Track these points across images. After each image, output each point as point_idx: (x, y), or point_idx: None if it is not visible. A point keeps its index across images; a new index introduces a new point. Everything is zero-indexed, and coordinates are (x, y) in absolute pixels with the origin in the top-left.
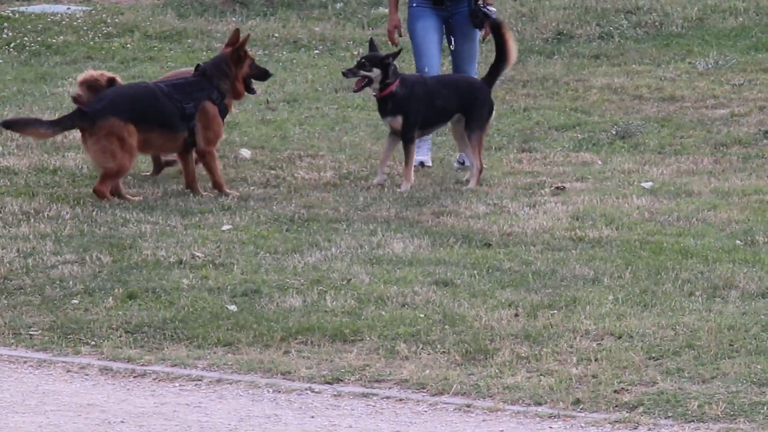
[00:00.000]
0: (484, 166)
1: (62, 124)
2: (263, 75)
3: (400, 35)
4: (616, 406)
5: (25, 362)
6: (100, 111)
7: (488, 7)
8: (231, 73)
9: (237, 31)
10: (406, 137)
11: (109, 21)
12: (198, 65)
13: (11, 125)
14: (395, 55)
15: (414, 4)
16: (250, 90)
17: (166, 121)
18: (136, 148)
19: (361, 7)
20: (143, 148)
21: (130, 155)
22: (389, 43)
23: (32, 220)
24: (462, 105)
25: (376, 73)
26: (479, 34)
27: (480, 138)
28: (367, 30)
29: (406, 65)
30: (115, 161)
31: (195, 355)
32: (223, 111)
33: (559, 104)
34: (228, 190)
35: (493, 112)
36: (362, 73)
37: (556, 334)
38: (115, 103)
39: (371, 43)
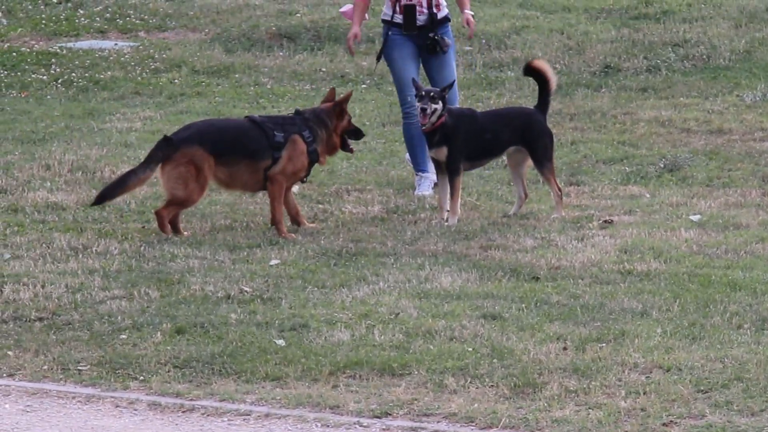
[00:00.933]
0: (529, 196)
1: (155, 159)
2: (358, 134)
3: (358, 44)
4: None
5: (73, 398)
6: (186, 139)
7: (466, 12)
8: (330, 124)
9: (333, 90)
10: (451, 169)
11: (156, 56)
12: (297, 109)
13: (106, 197)
14: (450, 86)
15: (390, 33)
16: (346, 147)
17: (251, 152)
18: (209, 183)
19: None
20: (229, 184)
21: (201, 188)
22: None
23: (80, 256)
24: (518, 137)
25: (439, 106)
26: (453, 55)
27: (551, 168)
28: None
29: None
30: (185, 190)
31: (243, 389)
32: (313, 155)
33: (606, 137)
34: (285, 232)
35: (554, 139)
36: (432, 106)
37: (605, 367)
38: (202, 133)
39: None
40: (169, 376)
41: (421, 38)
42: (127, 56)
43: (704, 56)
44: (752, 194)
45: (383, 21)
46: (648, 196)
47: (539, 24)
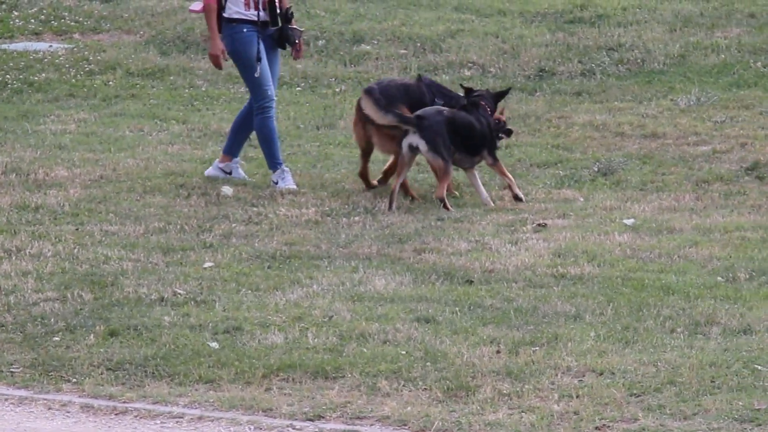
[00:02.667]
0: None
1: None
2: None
3: (225, 59)
4: None
5: (6, 399)
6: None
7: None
8: None
9: None
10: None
11: (91, 58)
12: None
13: None
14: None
15: (244, 30)
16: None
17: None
18: None
19: (343, 44)
20: None
21: None
22: (215, 67)
23: (14, 258)
24: None
25: None
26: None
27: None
28: (349, 67)
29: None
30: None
31: (176, 392)
32: None
33: (541, 141)
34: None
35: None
36: None
37: (538, 370)
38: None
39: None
40: (102, 378)
41: (278, 32)
42: (61, 58)
43: (639, 60)
44: (686, 198)
45: (233, 20)
46: (582, 199)
47: (474, 27)
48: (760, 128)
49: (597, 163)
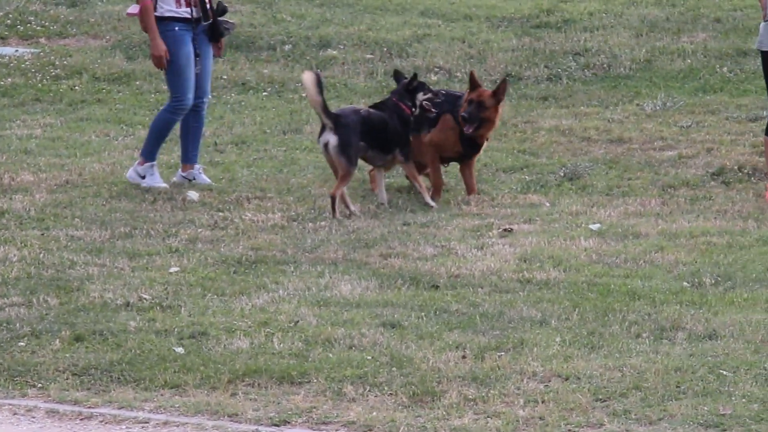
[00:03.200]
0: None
1: None
2: None
3: (168, 59)
4: None
5: None
6: None
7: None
8: None
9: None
10: None
11: (57, 63)
12: None
13: None
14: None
15: (176, 28)
16: None
17: None
18: None
19: (310, 49)
20: None
21: None
22: (158, 68)
23: None
24: None
25: None
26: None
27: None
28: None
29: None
30: None
31: (142, 397)
32: None
33: (507, 146)
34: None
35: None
36: None
37: (504, 376)
38: None
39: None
40: (68, 383)
41: (210, 25)
42: (27, 63)
43: (605, 65)
44: (651, 203)
45: (165, 18)
46: (548, 204)
47: (441, 32)
48: (725, 133)
49: (563, 168)
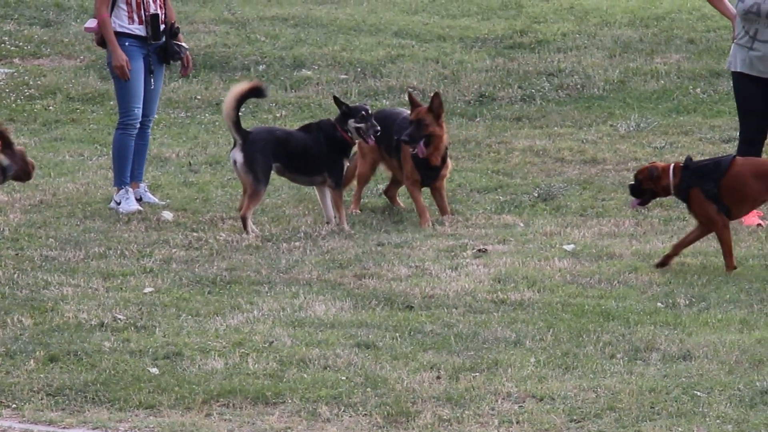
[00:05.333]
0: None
1: None
2: None
3: (129, 68)
4: None
5: None
6: None
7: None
8: None
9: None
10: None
11: (31, 83)
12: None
13: None
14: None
15: (126, 43)
16: None
17: None
18: None
19: (284, 69)
20: None
21: None
22: (122, 79)
23: None
24: None
25: None
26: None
27: None
28: (290, 92)
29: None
30: None
31: (116, 417)
32: None
33: (481, 166)
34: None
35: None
36: None
37: (478, 396)
38: None
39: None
40: (42, 404)
41: (162, 47)
42: (1, 83)
43: (578, 86)
44: (625, 224)
45: (116, 33)
46: (522, 225)
47: (414, 53)
48: (699, 154)
49: (537, 189)
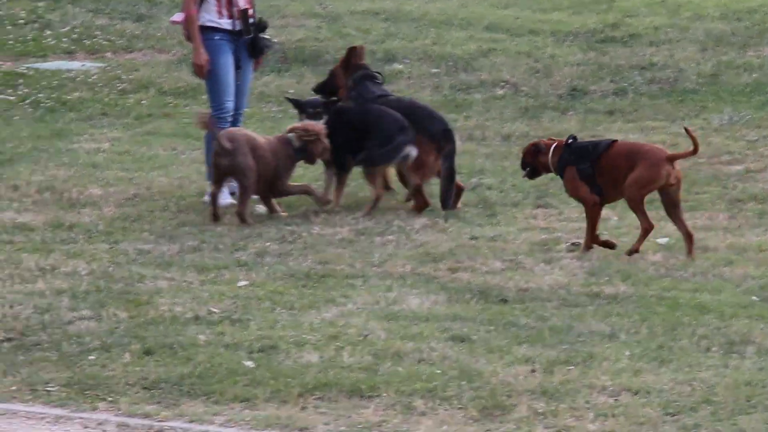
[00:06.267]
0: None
1: None
2: None
3: (209, 68)
4: None
5: (42, 418)
6: None
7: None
8: None
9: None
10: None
11: (124, 77)
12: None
13: None
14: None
15: (216, 37)
16: None
17: None
18: None
19: (375, 63)
20: None
21: None
22: (199, 77)
23: (49, 276)
24: None
25: None
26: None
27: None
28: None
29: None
30: None
31: (212, 411)
32: None
33: None
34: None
35: None
36: None
37: (573, 389)
38: None
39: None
40: (138, 397)
41: (251, 41)
42: (94, 77)
43: (671, 79)
44: (719, 217)
45: (206, 28)
46: (616, 219)
47: (506, 47)
48: None
49: None
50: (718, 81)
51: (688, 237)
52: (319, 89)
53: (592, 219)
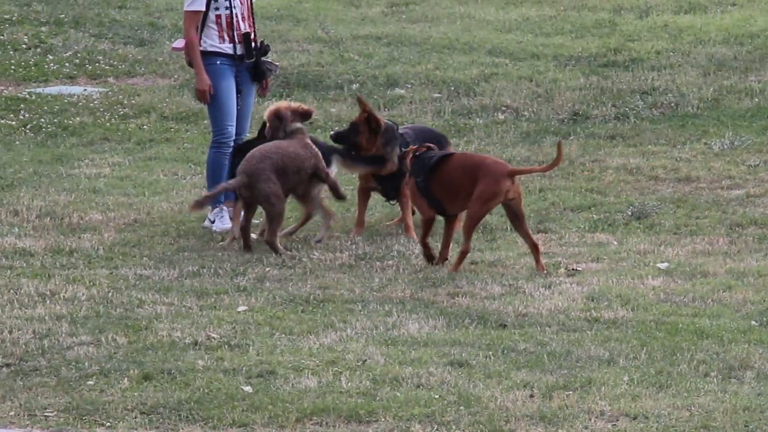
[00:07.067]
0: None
1: None
2: None
3: (212, 93)
4: None
5: None
6: None
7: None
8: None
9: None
10: None
11: (125, 102)
12: None
13: None
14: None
15: (218, 62)
16: None
17: None
18: None
19: (377, 88)
20: None
21: None
22: (202, 102)
23: (48, 302)
24: None
25: None
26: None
27: None
28: (383, 111)
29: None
30: None
31: None
32: None
33: (574, 185)
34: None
35: None
36: None
37: (572, 415)
38: None
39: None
40: (136, 422)
41: (253, 65)
42: (96, 102)
43: (672, 104)
44: (719, 242)
45: (208, 53)
46: (615, 243)
47: (508, 71)
48: None
49: (631, 207)
50: (719, 106)
51: (535, 248)
52: None
53: (424, 229)
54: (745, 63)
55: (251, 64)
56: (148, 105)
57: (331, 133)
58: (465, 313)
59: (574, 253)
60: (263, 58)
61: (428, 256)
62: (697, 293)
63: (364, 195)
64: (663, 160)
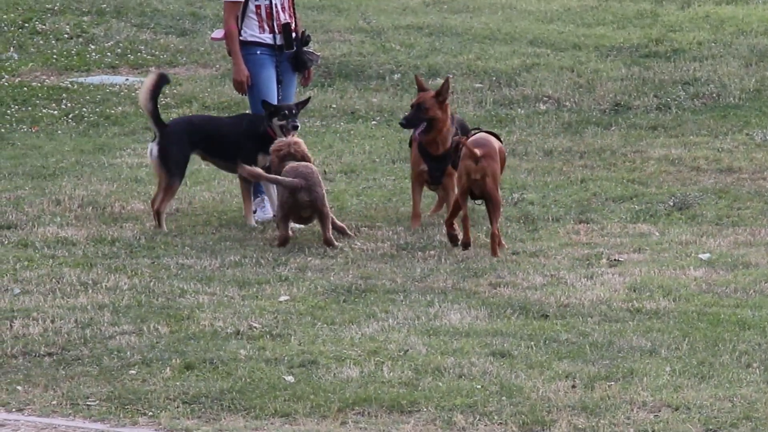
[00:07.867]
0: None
1: None
2: None
3: (249, 85)
4: None
5: None
6: None
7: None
8: None
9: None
10: None
11: (167, 92)
12: None
13: None
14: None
15: (258, 52)
16: None
17: None
18: None
19: None
20: None
21: None
22: (239, 93)
23: (90, 291)
24: None
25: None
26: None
27: None
28: None
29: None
30: None
31: (252, 426)
32: None
33: (616, 175)
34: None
35: None
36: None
37: (614, 405)
38: None
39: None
40: (178, 411)
41: (294, 55)
42: (137, 91)
43: (714, 95)
44: (761, 233)
45: (248, 42)
46: (657, 234)
47: (549, 61)
48: None
49: (672, 198)
50: (761, 96)
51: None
52: None
53: (452, 211)
54: None
55: (292, 55)
56: (190, 95)
57: (400, 120)
58: (507, 303)
59: (615, 243)
60: (305, 48)
61: (452, 237)
62: (739, 284)
63: (418, 183)
64: (705, 150)
